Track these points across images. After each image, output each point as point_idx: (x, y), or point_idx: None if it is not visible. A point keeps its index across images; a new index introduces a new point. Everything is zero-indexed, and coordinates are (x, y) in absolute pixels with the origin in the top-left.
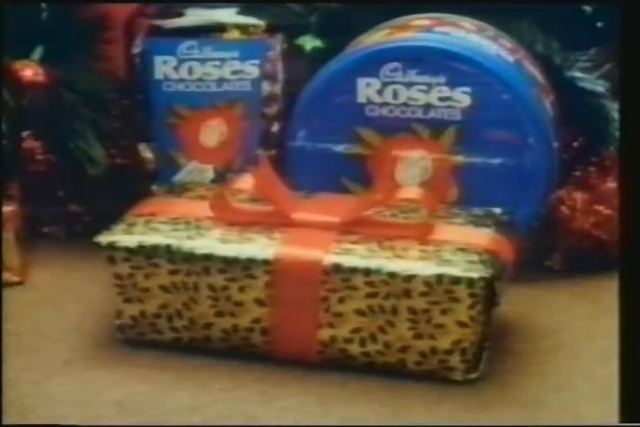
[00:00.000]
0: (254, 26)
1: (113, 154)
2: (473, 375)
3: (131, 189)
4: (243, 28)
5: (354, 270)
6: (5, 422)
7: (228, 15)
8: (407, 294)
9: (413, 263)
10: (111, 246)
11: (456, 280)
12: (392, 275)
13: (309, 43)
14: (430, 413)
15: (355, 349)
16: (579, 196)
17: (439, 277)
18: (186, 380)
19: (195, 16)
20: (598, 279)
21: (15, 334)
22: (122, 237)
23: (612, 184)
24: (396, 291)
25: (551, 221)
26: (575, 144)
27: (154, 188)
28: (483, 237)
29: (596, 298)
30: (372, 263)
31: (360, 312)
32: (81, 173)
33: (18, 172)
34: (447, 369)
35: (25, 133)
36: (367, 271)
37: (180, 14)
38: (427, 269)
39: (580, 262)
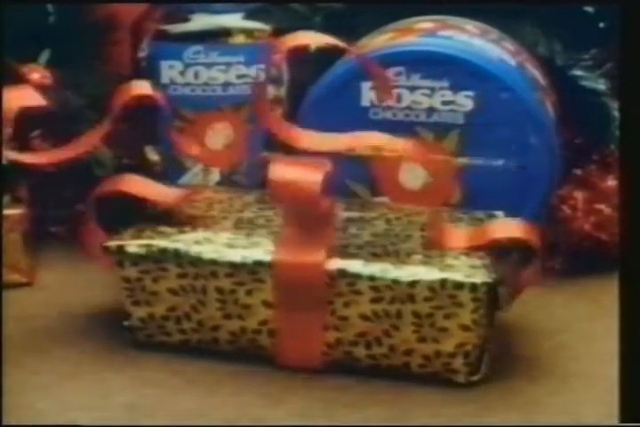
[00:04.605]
0: (260, 30)
1: (119, 156)
2: (475, 378)
3: None
4: (248, 33)
5: (358, 276)
6: (7, 422)
7: (233, 20)
8: (411, 298)
9: (417, 268)
10: (120, 251)
11: (459, 285)
12: (396, 280)
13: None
14: (433, 415)
15: (360, 352)
16: (580, 195)
17: (443, 283)
18: (193, 383)
19: (201, 21)
20: (598, 279)
21: (24, 336)
22: (130, 241)
23: (612, 182)
24: (401, 296)
25: (552, 221)
26: (576, 142)
27: None
28: None
29: (597, 298)
30: (377, 269)
31: (365, 316)
32: (88, 175)
33: (25, 173)
34: (450, 372)
35: (32, 135)
36: (371, 277)
37: (187, 19)
38: (430, 274)
39: (580, 262)
